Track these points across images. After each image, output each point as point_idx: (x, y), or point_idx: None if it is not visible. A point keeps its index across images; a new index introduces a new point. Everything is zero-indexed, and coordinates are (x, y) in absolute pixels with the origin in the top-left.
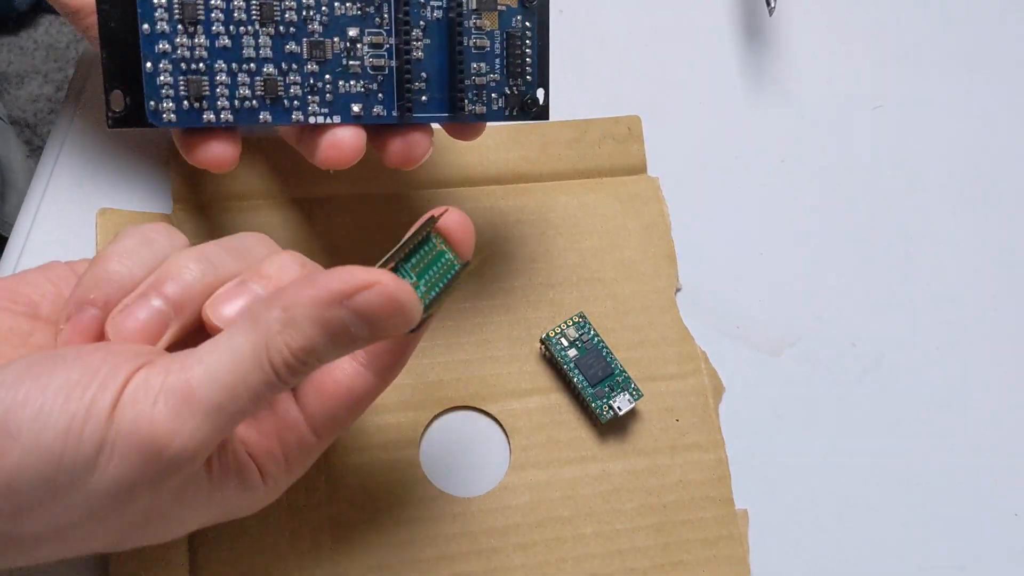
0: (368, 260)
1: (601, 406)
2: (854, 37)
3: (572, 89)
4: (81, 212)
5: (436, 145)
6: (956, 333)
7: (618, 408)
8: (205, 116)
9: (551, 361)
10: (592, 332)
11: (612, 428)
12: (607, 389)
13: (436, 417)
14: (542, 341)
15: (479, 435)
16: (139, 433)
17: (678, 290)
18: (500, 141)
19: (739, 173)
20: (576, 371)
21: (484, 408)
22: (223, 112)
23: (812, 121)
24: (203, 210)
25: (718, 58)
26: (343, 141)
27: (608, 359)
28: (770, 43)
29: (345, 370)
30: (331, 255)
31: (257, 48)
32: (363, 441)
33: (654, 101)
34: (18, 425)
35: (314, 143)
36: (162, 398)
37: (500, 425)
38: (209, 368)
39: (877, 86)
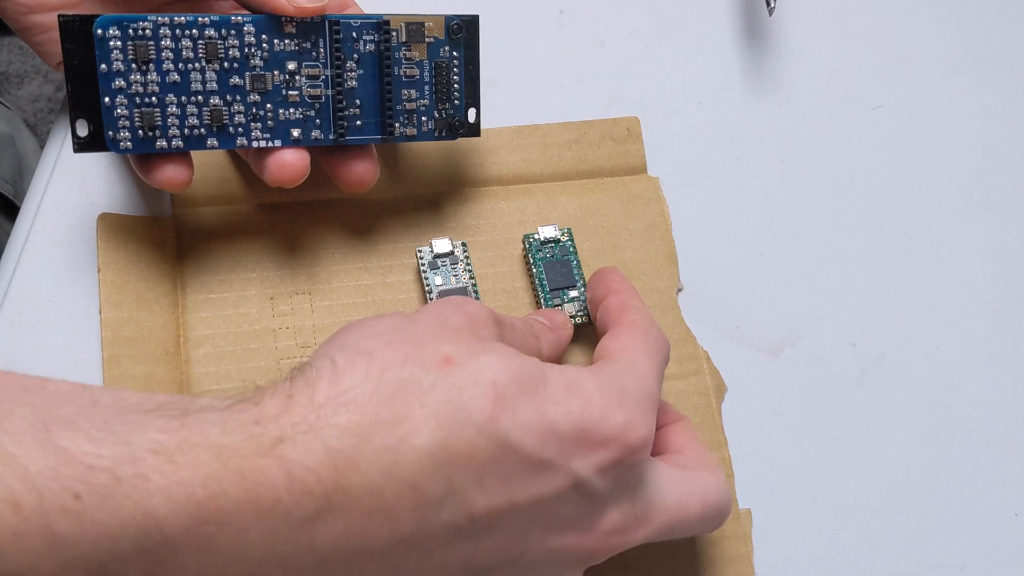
0: (375, 257)
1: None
2: (854, 37)
3: (572, 89)
4: (81, 212)
5: (438, 149)
6: (956, 333)
7: (568, 314)
8: (158, 143)
9: (525, 260)
10: (571, 246)
11: None
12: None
13: None
14: (524, 239)
15: None
16: None
17: (679, 290)
18: (501, 143)
19: (739, 173)
20: (541, 271)
21: None
22: (174, 140)
23: (812, 121)
24: (203, 212)
25: (718, 58)
26: (289, 163)
27: (575, 273)
28: (770, 43)
29: None
30: (337, 256)
31: (204, 82)
32: None
33: (654, 102)
34: None
35: (262, 163)
36: None
37: None
38: None
39: (877, 86)
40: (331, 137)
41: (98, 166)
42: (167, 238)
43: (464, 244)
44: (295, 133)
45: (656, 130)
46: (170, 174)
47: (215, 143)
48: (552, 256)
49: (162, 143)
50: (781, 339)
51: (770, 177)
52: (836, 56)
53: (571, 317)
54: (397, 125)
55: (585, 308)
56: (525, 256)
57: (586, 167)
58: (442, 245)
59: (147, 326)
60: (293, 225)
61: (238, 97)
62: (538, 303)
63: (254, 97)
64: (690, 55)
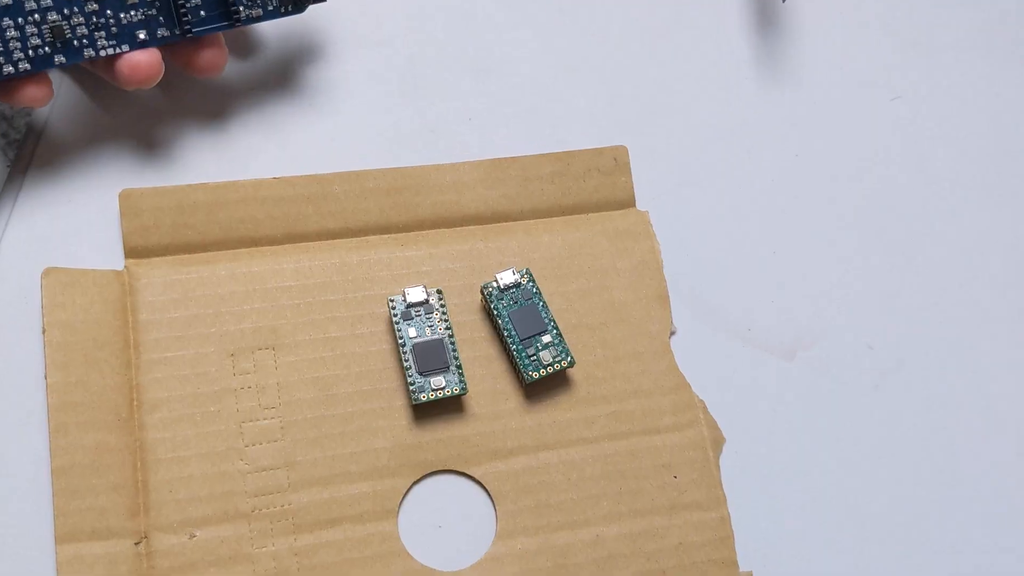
0: (343, 307)
1: (527, 362)
2: (871, 25)
3: (574, 90)
4: (22, 267)
5: (408, 185)
6: (979, 336)
7: (545, 362)
8: (4, 69)
9: (488, 312)
10: (534, 287)
11: (606, 488)
12: (537, 347)
13: (415, 484)
14: (481, 291)
15: (462, 501)
16: None
17: (672, 333)
18: (477, 178)
19: (751, 168)
20: (508, 321)
21: (467, 471)
22: (20, 63)
23: (827, 114)
24: (156, 263)
25: (729, 47)
26: (140, 62)
27: (544, 316)
28: (783, 32)
29: None
30: (302, 307)
31: (38, 0)
32: (336, 513)
33: (665, 92)
34: None
35: (114, 70)
36: None
37: (485, 489)
38: None
39: (895, 76)
40: (177, 32)
41: (44, 215)
42: (117, 293)
43: (439, 292)
44: (141, 35)
45: (665, 123)
46: (31, 94)
47: (62, 59)
48: (516, 303)
49: (8, 68)
50: (795, 342)
51: (783, 172)
52: (852, 45)
53: (547, 365)
54: (241, 8)
55: (563, 353)
56: (485, 307)
57: (570, 202)
58: (416, 294)
59: (97, 389)
60: (250, 271)
61: (75, 9)
62: (510, 356)
63: (92, 6)
64: (700, 44)
